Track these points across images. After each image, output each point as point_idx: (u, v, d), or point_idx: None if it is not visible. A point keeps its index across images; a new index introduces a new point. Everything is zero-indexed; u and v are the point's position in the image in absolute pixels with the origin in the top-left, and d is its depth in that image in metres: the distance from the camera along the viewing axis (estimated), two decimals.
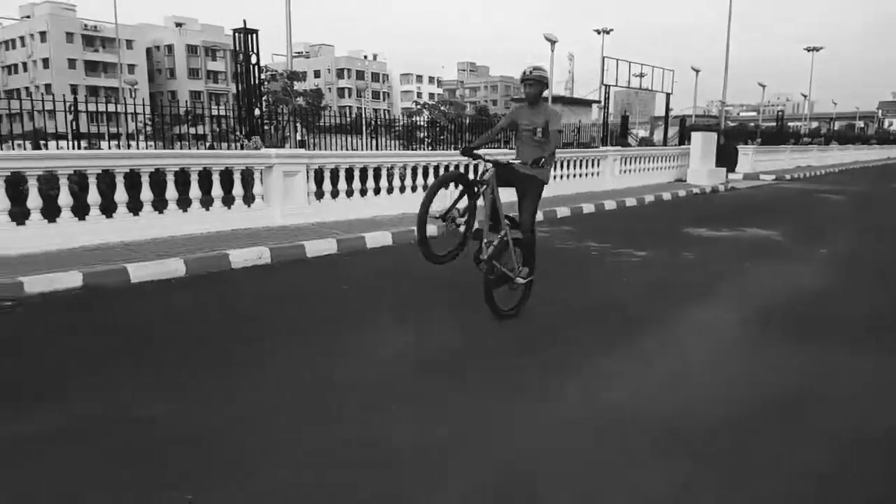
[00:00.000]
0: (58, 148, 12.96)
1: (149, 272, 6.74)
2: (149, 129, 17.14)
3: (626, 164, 18.49)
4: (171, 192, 8.61)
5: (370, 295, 6.49)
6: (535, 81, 5.35)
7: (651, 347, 4.97)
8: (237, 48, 11.62)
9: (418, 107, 58.41)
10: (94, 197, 7.92)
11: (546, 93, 5.74)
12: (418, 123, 23.96)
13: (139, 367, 4.40)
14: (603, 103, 23.79)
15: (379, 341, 4.99)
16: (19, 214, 7.46)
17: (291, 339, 4.98)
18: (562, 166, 15.74)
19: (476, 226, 5.28)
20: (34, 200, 7.48)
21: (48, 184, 7.85)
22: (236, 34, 11.55)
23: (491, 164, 5.20)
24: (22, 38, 73.03)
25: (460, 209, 5.17)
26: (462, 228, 5.20)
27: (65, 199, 7.72)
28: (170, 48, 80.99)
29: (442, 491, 2.93)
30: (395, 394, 3.96)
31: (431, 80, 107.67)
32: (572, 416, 3.71)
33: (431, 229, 5.09)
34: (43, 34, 71.00)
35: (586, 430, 3.52)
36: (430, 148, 21.13)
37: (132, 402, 3.80)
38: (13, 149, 12.62)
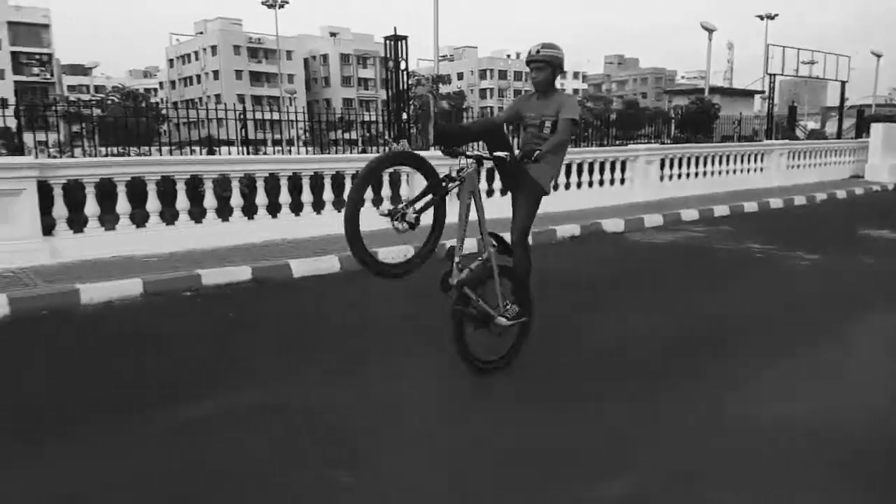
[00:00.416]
0: (229, 153, 14.36)
1: (308, 267, 7.30)
2: (307, 135, 18.43)
3: (794, 158, 17.10)
4: (328, 195, 9.27)
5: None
6: (544, 63, 4.27)
7: (832, 359, 4.60)
8: (387, 55, 12.20)
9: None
10: (261, 198, 8.72)
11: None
12: None
13: (314, 354, 4.78)
14: (767, 94, 22.08)
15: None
16: (197, 214, 8.40)
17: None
18: (718, 161, 14.88)
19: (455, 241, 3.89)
20: (210, 201, 8.38)
21: (221, 186, 8.78)
22: (387, 41, 12.13)
23: (472, 160, 3.89)
24: (196, 52, 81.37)
25: (417, 207, 3.69)
26: (416, 225, 3.66)
27: (236, 199, 8.57)
28: (325, 57, 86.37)
29: None
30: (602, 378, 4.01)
31: (576, 75, 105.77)
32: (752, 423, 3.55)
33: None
34: (214, 48, 78.61)
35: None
36: (573, 145, 20.84)
37: (310, 388, 4.16)
38: (191, 154, 14.20)
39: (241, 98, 67.22)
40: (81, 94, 65.97)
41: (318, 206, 9.23)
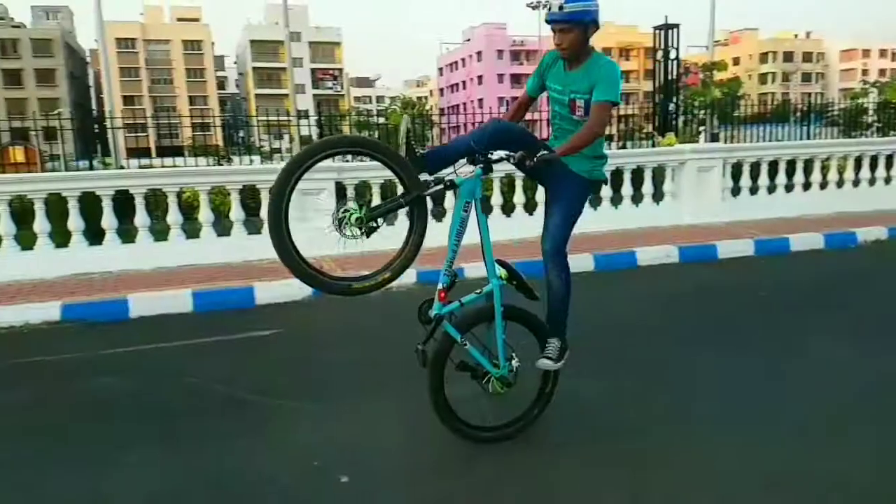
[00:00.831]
0: None
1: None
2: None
3: None
4: (519, 198, 9.12)
5: (790, 303, 5.93)
6: (569, 24, 3.08)
7: None
8: (656, 45, 11.83)
9: (866, 86, 49.91)
10: (519, 197, 9.04)
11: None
12: (864, 106, 20.54)
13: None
14: None
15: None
16: (437, 214, 8.97)
17: (702, 342, 4.91)
18: None
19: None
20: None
21: (482, 185, 9.29)
22: (656, 31, 11.77)
23: (477, 164, 3.03)
24: (463, 59, 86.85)
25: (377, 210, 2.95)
26: (370, 232, 2.90)
27: (496, 199, 9.00)
28: None
29: None
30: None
31: (883, 53, 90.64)
32: None
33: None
34: (479, 54, 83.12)
35: None
36: (879, 134, 17.98)
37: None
38: None
39: (501, 100, 70.11)
40: (365, 104, 74.84)
41: (594, 202, 9.27)
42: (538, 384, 3.42)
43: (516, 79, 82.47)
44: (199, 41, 72.70)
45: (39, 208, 7.30)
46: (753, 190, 9.99)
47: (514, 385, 3.31)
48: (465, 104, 72.65)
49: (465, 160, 3.04)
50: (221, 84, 79.79)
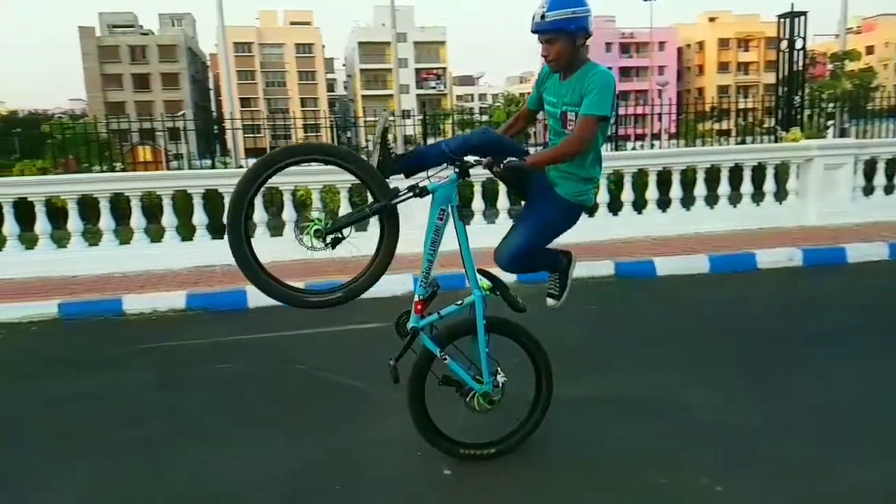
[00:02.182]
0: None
1: (674, 266, 7.19)
2: (667, 128, 18.02)
3: None
4: (700, 190, 8.97)
5: None
6: (555, 32, 2.87)
7: None
8: (780, 34, 11.20)
9: None
10: (627, 194, 8.87)
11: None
12: None
13: (680, 355, 4.74)
14: None
15: None
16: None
17: (831, 348, 4.63)
18: None
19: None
20: (603, 196, 8.81)
21: None
22: (781, 20, 11.14)
23: (454, 169, 2.89)
24: None
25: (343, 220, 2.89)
26: (335, 244, 2.83)
27: (603, 196, 8.86)
28: (700, 44, 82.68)
29: None
30: None
31: None
32: None
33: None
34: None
35: None
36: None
37: (673, 386, 4.16)
38: None
39: None
40: (467, 102, 75.41)
41: (688, 202, 9.01)
42: (531, 398, 3.31)
43: (625, 71, 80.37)
44: (311, 44, 75.89)
45: (167, 204, 7.93)
46: (889, 189, 9.27)
47: (499, 401, 3.16)
48: None
49: (443, 165, 2.88)
50: (331, 86, 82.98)
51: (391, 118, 2.83)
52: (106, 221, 7.78)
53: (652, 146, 19.48)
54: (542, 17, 2.86)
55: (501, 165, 2.80)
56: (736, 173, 9.05)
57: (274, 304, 2.95)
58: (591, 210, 8.72)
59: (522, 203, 3.30)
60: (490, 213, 8.80)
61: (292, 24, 76.40)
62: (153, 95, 68.23)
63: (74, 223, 7.77)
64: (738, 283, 6.80)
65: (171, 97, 67.21)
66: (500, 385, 3.15)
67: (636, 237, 8.55)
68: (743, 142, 15.36)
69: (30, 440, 3.70)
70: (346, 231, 2.83)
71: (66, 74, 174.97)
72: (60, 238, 7.96)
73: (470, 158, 2.82)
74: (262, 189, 2.86)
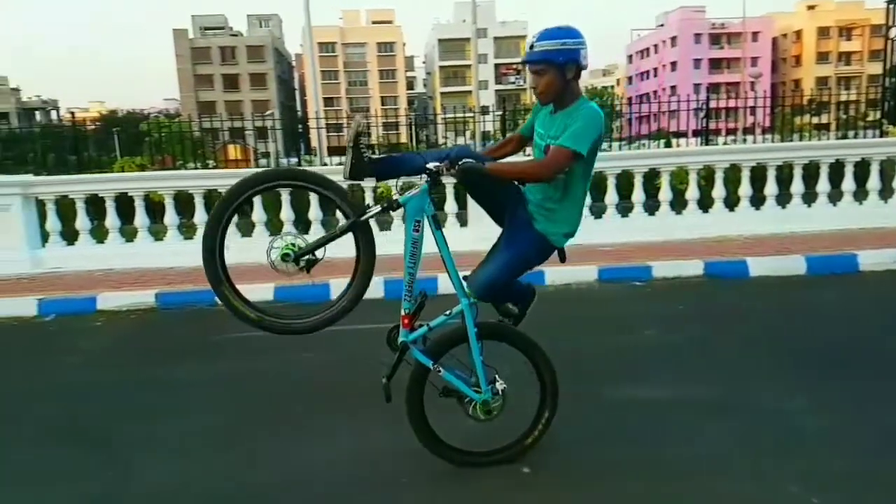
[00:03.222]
0: (686, 145, 14.44)
1: (767, 266, 6.90)
2: (760, 122, 17.24)
3: None
4: (797, 187, 8.58)
5: None
6: (544, 64, 2.83)
7: None
8: (889, 21, 10.51)
9: None
10: (718, 191, 8.57)
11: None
12: None
13: (770, 359, 4.57)
14: None
15: None
16: (651, 207, 8.72)
17: None
18: None
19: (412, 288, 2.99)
20: (665, 193, 8.60)
21: (678, 178, 8.95)
22: (890, 6, 10.46)
23: (424, 177, 2.85)
24: (655, 45, 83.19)
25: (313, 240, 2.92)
26: (309, 266, 2.87)
27: (692, 192, 8.61)
28: (798, 34, 78.59)
29: None
30: None
31: None
32: None
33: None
34: (673, 39, 79.11)
35: None
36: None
37: (760, 392, 4.01)
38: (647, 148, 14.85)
39: (697, 88, 66.26)
40: None
41: (783, 200, 8.63)
42: (536, 405, 3.22)
43: (715, 63, 77.50)
44: (392, 42, 77.04)
45: (257, 200, 8.24)
46: None
47: (499, 410, 3.11)
48: (655, 92, 69.84)
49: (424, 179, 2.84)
50: (410, 84, 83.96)
51: (365, 122, 2.85)
52: (199, 216, 8.18)
53: (744, 141, 18.69)
54: (531, 46, 2.85)
55: (456, 167, 2.75)
56: (836, 170, 8.58)
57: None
58: (679, 208, 8.54)
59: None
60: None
61: (374, 23, 77.77)
62: (242, 95, 71.02)
63: (171, 217, 8.21)
64: (838, 286, 6.45)
65: (258, 97, 69.75)
66: (501, 392, 3.09)
67: (728, 235, 8.25)
68: (844, 136, 14.52)
69: (118, 424, 3.94)
70: (319, 253, 2.85)
71: (161, 75, 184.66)
72: (157, 231, 8.44)
73: (431, 164, 2.78)
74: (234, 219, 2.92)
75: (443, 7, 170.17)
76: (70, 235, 8.28)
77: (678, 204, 8.69)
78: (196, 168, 11.88)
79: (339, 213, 3.38)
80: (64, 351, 5.41)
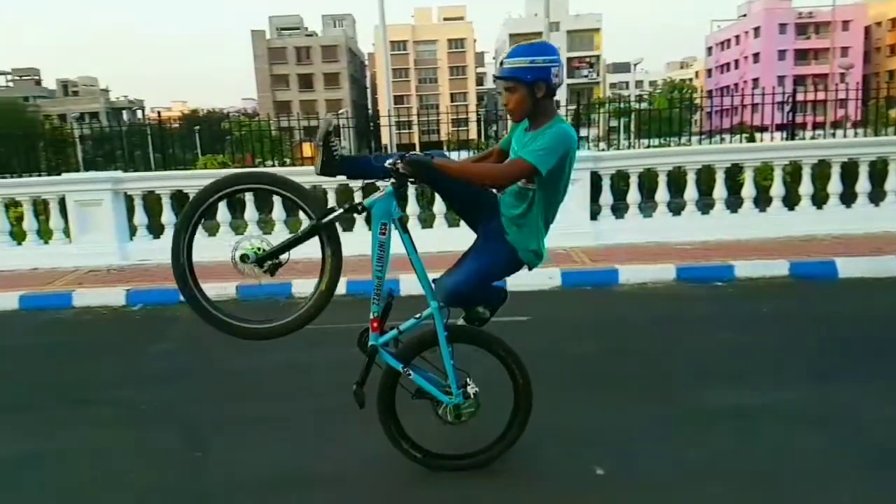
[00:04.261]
0: (771, 139, 13.85)
1: (858, 267, 6.57)
2: (850, 116, 16.34)
3: None
4: (892, 184, 8.12)
5: None
6: (514, 81, 2.78)
7: None
8: None
9: None
10: (806, 187, 8.19)
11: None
12: None
13: (860, 366, 4.36)
14: None
15: None
16: (734, 204, 8.41)
17: None
18: None
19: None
20: (748, 189, 8.28)
21: (761, 174, 8.60)
22: None
23: (391, 179, 2.82)
24: (737, 36, 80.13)
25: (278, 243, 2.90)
26: (273, 269, 2.87)
27: (776, 189, 8.25)
28: (893, 22, 74.08)
29: None
30: None
31: None
32: None
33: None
34: (756, 30, 76.00)
35: None
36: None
37: (857, 400, 3.82)
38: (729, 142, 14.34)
39: (781, 80, 63.41)
40: (622, 90, 73.08)
41: (877, 197, 8.16)
42: (510, 408, 3.16)
43: (801, 54, 74.09)
44: (463, 39, 77.17)
45: (332, 195, 8.42)
46: None
47: (471, 414, 3.06)
48: (736, 85, 67.31)
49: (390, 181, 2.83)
50: (480, 80, 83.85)
51: (335, 120, 2.82)
52: (277, 212, 8.41)
53: (833, 135, 17.76)
54: (501, 63, 2.82)
55: (403, 158, 2.74)
56: None
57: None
58: (764, 205, 8.21)
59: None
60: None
61: (446, 20, 78.09)
62: (316, 95, 72.65)
63: (250, 213, 8.48)
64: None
65: (332, 96, 71.22)
66: (473, 396, 3.05)
67: (815, 234, 7.88)
68: None
69: (202, 409, 4.12)
70: (283, 256, 2.86)
71: (240, 76, 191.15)
72: (238, 226, 8.72)
73: (388, 162, 2.76)
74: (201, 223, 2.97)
75: (515, 2, 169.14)
76: (156, 229, 8.67)
77: (762, 201, 8.36)
78: (274, 165, 12.23)
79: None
80: (151, 339, 5.68)
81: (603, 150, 13.70)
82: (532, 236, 2.94)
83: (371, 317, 2.94)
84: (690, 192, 8.26)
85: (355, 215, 2.94)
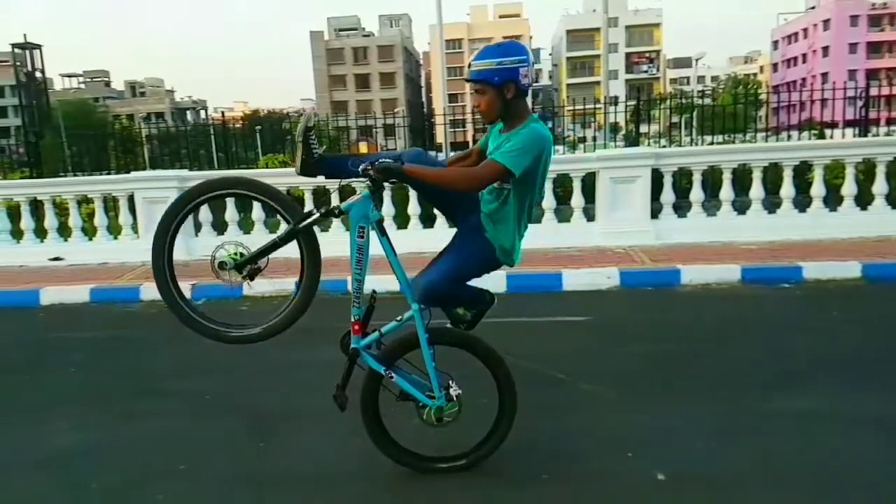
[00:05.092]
0: (842, 136, 13.28)
1: None
2: None
3: None
4: None
5: None
6: (482, 83, 2.77)
7: None
8: None
9: None
10: (879, 186, 7.83)
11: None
12: None
13: None
14: None
15: None
16: (802, 203, 8.11)
17: None
18: None
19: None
20: (818, 188, 7.96)
21: (831, 172, 8.27)
22: None
23: (367, 181, 2.75)
24: (805, 29, 77.19)
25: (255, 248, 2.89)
26: (252, 274, 2.86)
27: (848, 188, 7.92)
28: None
29: None
30: None
31: None
32: None
33: None
34: (826, 22, 73.06)
35: None
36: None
37: None
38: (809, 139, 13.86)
39: (852, 74, 60.78)
40: (682, 86, 71.35)
41: None
42: (494, 412, 3.14)
43: (874, 47, 70.88)
44: (519, 36, 76.61)
45: (387, 195, 8.50)
46: None
47: (454, 416, 3.03)
48: (804, 80, 64.95)
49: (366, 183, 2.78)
50: (536, 76, 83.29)
51: (315, 117, 2.82)
52: (257, 213, 8.54)
53: None
54: (469, 65, 2.80)
55: (373, 165, 2.70)
56: None
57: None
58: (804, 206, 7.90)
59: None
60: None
61: (501, 17, 77.80)
62: (372, 94, 73.46)
63: (231, 213, 8.63)
64: None
65: (387, 96, 71.88)
66: (455, 398, 3.01)
67: (889, 235, 7.55)
68: None
69: (267, 400, 4.20)
70: (262, 261, 2.86)
71: (299, 76, 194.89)
72: (219, 226, 8.87)
73: (361, 167, 2.72)
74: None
75: None
76: (220, 226, 8.89)
77: (833, 200, 8.02)
78: None
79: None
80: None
81: (664, 146, 13.41)
82: (507, 234, 2.91)
83: (352, 319, 2.94)
84: (756, 191, 7.99)
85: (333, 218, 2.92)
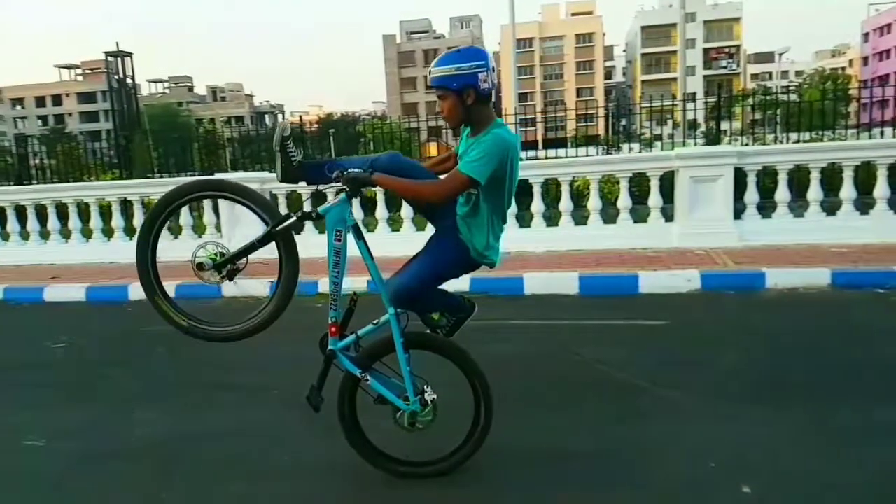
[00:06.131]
0: None
1: None
2: None
3: None
4: None
5: None
6: (443, 90, 2.76)
7: None
8: None
9: None
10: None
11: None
12: None
13: None
14: None
15: None
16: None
17: None
18: None
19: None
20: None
21: None
22: None
23: (342, 186, 2.78)
24: None
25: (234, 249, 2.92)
26: (232, 274, 2.92)
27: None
28: None
29: None
30: None
31: None
32: None
33: None
34: None
35: None
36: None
37: None
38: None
39: None
40: (764, 81, 68.56)
41: None
42: (471, 416, 3.09)
43: None
44: (591, 34, 75.51)
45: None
46: None
47: (428, 422, 3.00)
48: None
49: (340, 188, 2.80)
50: (609, 74, 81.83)
51: (290, 125, 2.81)
52: (406, 210, 8.59)
53: None
54: (430, 71, 2.79)
55: (343, 174, 2.71)
56: None
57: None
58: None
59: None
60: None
61: (574, 15, 76.79)
62: None
63: (381, 211, 8.73)
64: None
65: None
66: (430, 403, 2.98)
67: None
68: None
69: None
70: (241, 262, 2.90)
71: (370, 79, 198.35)
72: (368, 223, 9.02)
73: (333, 175, 2.74)
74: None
75: None
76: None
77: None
78: None
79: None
80: (286, 328, 5.96)
81: (746, 144, 12.90)
82: (480, 235, 2.89)
83: (329, 321, 2.95)
84: (847, 191, 7.58)
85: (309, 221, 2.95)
